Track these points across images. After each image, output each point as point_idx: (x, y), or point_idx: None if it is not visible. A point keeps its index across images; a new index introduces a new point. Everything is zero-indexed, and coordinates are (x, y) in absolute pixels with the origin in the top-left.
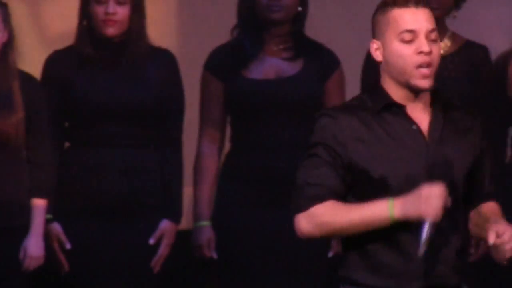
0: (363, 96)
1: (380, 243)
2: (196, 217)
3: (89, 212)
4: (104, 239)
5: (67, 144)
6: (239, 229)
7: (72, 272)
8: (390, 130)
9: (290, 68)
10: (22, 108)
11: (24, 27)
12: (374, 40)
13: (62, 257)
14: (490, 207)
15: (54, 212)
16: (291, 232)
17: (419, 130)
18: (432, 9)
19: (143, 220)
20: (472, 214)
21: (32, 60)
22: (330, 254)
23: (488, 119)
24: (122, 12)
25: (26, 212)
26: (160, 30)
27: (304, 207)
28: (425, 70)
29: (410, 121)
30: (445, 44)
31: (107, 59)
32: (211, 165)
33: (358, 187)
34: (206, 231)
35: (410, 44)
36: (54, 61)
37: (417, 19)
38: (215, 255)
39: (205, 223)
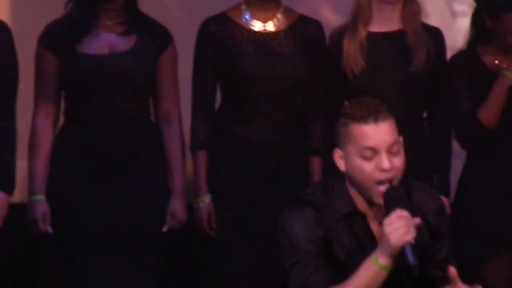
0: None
1: None
2: (31, 191)
3: None
4: None
5: None
6: (72, 202)
7: None
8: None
9: (124, 43)
10: None
11: None
12: (337, 149)
13: None
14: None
15: None
16: (123, 206)
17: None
18: None
19: None
20: None
21: None
22: (165, 229)
23: (325, 94)
24: None
25: None
26: None
27: None
28: (384, 188)
29: (369, 231)
30: (278, 20)
31: None
32: (46, 140)
33: None
34: (41, 205)
35: (370, 160)
36: None
37: (378, 136)
38: (50, 229)
39: (40, 197)
